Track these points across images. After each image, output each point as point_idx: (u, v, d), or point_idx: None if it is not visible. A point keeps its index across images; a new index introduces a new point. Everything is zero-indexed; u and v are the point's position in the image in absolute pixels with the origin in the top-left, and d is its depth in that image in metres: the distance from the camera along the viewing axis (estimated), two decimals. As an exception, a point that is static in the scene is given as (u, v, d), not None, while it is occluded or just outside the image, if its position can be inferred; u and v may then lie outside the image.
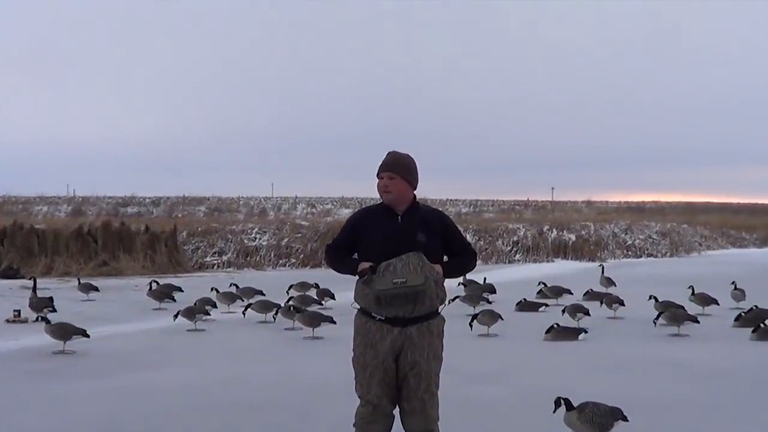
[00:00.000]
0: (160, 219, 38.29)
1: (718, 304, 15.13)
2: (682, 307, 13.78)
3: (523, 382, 9.28)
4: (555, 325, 12.25)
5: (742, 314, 13.62)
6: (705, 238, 39.79)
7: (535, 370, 10.00)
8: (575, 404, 6.50)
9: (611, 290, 17.79)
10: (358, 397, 5.42)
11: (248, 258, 27.77)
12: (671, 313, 13.03)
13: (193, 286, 18.90)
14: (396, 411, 5.42)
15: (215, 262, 27.17)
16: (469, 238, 30.17)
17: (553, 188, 76.35)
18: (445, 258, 5.54)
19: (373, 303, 5.28)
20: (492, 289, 17.44)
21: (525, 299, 15.85)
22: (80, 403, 8.27)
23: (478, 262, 5.88)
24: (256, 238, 28.73)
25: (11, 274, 22.60)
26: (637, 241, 34.59)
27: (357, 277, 5.37)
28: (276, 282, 19.64)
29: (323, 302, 15.55)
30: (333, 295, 15.78)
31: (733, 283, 16.62)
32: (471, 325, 12.36)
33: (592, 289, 17.11)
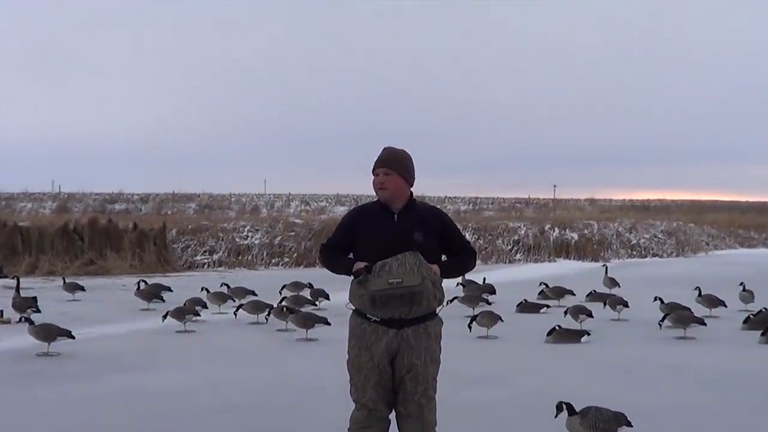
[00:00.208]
0: (149, 216, 38.22)
1: (725, 306, 15.14)
2: (689, 309, 13.79)
3: (524, 386, 9.28)
4: (557, 327, 12.25)
5: (751, 316, 13.64)
6: (712, 238, 39.81)
7: (536, 374, 10.01)
8: (577, 409, 6.51)
9: (615, 291, 17.80)
10: (353, 401, 5.42)
11: (240, 257, 27.75)
12: (677, 315, 13.04)
13: (183, 286, 18.88)
14: (392, 415, 5.43)
15: (206, 261, 27.15)
16: (468, 236, 30.17)
17: (555, 186, 76.11)
18: (444, 257, 5.54)
19: (368, 304, 5.28)
20: (492, 290, 17.44)
21: (526, 300, 15.85)
22: (65, 407, 8.26)
23: (478, 261, 5.88)
24: (248, 236, 28.71)
25: (-6, 273, 22.57)
26: (642, 240, 34.60)
27: (352, 278, 5.37)
28: (268, 282, 19.63)
29: (317, 303, 15.55)
30: (327, 295, 15.77)
31: (741, 284, 16.63)
32: (470, 327, 12.37)
33: (595, 290, 17.11)
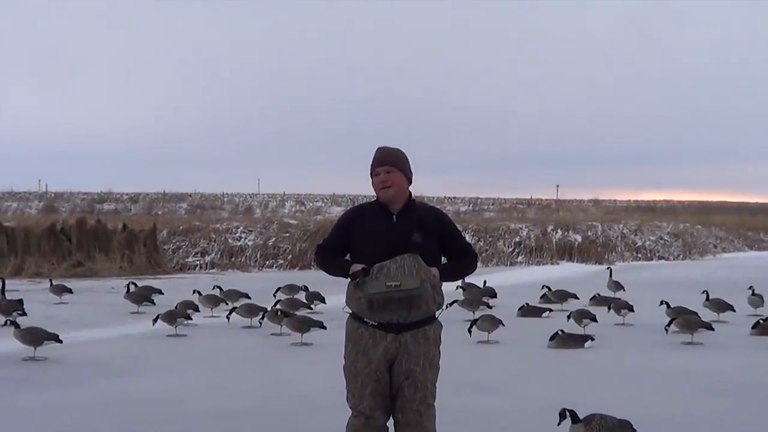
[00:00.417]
0: (139, 216, 38.23)
1: (734, 311, 15.13)
2: (696, 314, 13.79)
3: (526, 393, 9.28)
4: (560, 332, 12.25)
5: (760, 321, 13.63)
6: (720, 240, 39.84)
7: (539, 380, 10.01)
8: (581, 416, 6.51)
9: (620, 295, 17.78)
10: (350, 408, 5.41)
11: (233, 259, 27.75)
12: (684, 319, 13.03)
13: (174, 289, 18.86)
14: (390, 423, 5.42)
15: (197, 262, 27.14)
16: (468, 238, 30.18)
17: (557, 186, 76.49)
18: (444, 260, 5.54)
19: (365, 307, 5.27)
20: (492, 293, 17.45)
21: (528, 304, 15.86)
22: (51, 413, 8.24)
23: (478, 264, 5.87)
24: (241, 237, 28.71)
25: (-22, 274, 22.54)
26: (648, 242, 34.64)
27: (349, 280, 5.37)
28: (262, 284, 19.61)
29: (312, 306, 15.54)
30: (323, 298, 15.77)
31: (750, 288, 16.63)
32: (470, 332, 12.37)
33: (599, 294, 17.11)
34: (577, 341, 12.24)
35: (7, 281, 16.61)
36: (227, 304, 15.28)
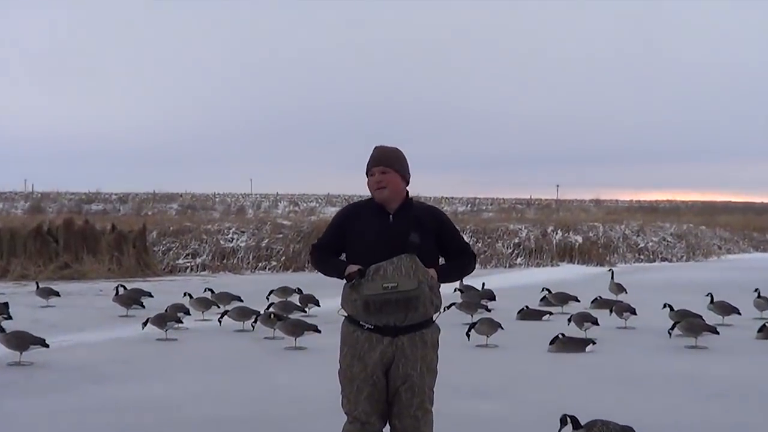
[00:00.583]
0: (128, 217, 38.17)
1: (739, 314, 15.14)
2: (700, 317, 13.79)
3: (525, 398, 9.28)
4: (560, 336, 12.25)
5: (766, 325, 13.65)
6: (725, 241, 39.86)
7: (539, 385, 10.01)
8: (582, 422, 6.51)
9: (622, 297, 17.80)
10: (345, 413, 5.40)
11: (224, 260, 27.70)
12: (688, 323, 13.04)
13: (164, 291, 18.84)
14: (386, 429, 5.42)
15: (188, 264, 27.10)
16: (466, 239, 30.15)
17: (558, 185, 76.65)
18: (442, 260, 5.53)
19: (361, 310, 5.27)
20: (491, 296, 17.44)
21: (527, 307, 15.85)
22: (37, 420, 8.23)
23: (477, 265, 5.87)
24: (233, 238, 28.68)
25: (-37, 277, 22.51)
26: (650, 243, 34.65)
27: (344, 282, 5.36)
28: (255, 287, 19.60)
29: (307, 309, 15.53)
30: (317, 301, 15.76)
31: (756, 290, 16.65)
32: (468, 335, 12.37)
33: (600, 296, 17.12)
34: (578, 345, 12.24)
35: (-8, 284, 16.57)
36: (219, 307, 15.27)
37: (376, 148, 5.51)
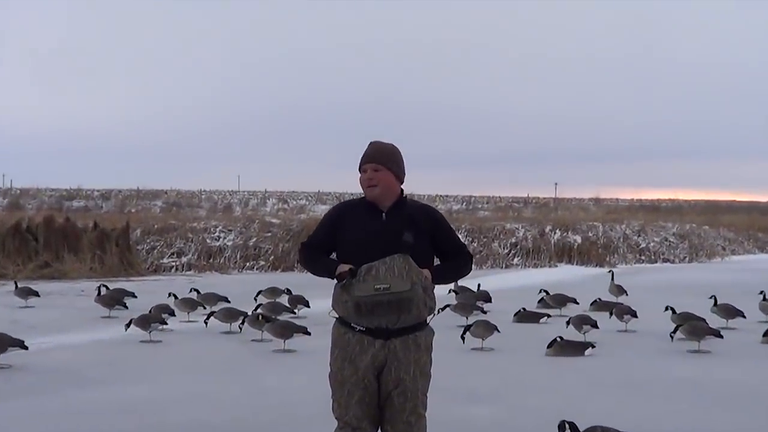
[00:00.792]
0: (111, 214, 38.14)
1: (744, 317, 15.15)
2: (703, 320, 13.81)
3: (523, 403, 9.29)
4: (558, 339, 12.26)
5: (771, 328, 13.68)
6: (729, 242, 39.92)
7: (536, 389, 10.02)
8: (582, 429, 6.51)
9: (622, 300, 17.83)
10: (335, 418, 5.40)
11: (211, 260, 27.69)
12: (691, 326, 13.05)
13: (148, 292, 18.83)
14: (378, 435, 5.42)
15: (173, 264, 27.08)
16: (461, 239, 30.12)
17: (556, 183, 76.66)
18: (437, 261, 5.53)
19: (352, 311, 5.26)
20: (487, 297, 17.44)
21: (524, 309, 15.86)
22: (16, 424, 8.21)
23: (473, 266, 5.86)
24: (220, 237, 28.66)
25: (-62, 276, 22.45)
26: (652, 244, 34.70)
27: (335, 282, 5.35)
28: (242, 287, 19.58)
29: (296, 310, 15.53)
30: (307, 302, 15.76)
31: (761, 292, 16.64)
32: (463, 338, 12.36)
33: (600, 298, 17.13)
34: (576, 349, 12.26)
35: (-31, 283, 16.54)
36: (205, 308, 15.25)
37: (371, 143, 5.50)
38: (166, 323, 13.63)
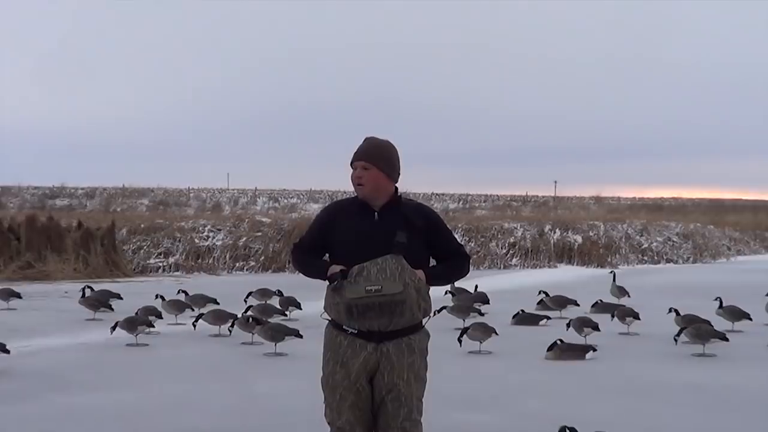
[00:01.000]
0: (96, 213, 38.14)
1: (750, 319, 15.16)
2: (708, 322, 13.82)
3: (522, 409, 9.30)
4: (558, 342, 12.27)
5: (777, 330, 13.69)
6: (735, 241, 40.00)
7: (535, 394, 10.02)
8: (582, 434, 6.52)
9: (624, 301, 17.84)
10: (328, 423, 5.40)
11: (199, 260, 27.67)
12: (695, 329, 13.07)
13: (135, 293, 18.80)
14: (372, 441, 5.42)
15: (160, 264, 27.06)
16: (458, 239, 30.16)
17: (556, 181, 76.88)
18: (433, 262, 5.52)
19: (344, 314, 5.26)
20: (485, 299, 17.45)
21: (523, 311, 15.87)
22: (-2, 430, 8.21)
23: (470, 267, 5.86)
24: (208, 236, 28.64)
25: None
26: (655, 244, 34.75)
27: (327, 283, 5.35)
28: (232, 289, 19.57)
29: (287, 313, 15.53)
30: (299, 304, 15.75)
31: None
32: (460, 341, 12.37)
33: (601, 300, 17.15)
34: (577, 352, 12.26)
35: (-52, 284, 16.51)
36: (193, 310, 15.24)
37: (365, 139, 5.49)
38: (153, 326, 13.60)
